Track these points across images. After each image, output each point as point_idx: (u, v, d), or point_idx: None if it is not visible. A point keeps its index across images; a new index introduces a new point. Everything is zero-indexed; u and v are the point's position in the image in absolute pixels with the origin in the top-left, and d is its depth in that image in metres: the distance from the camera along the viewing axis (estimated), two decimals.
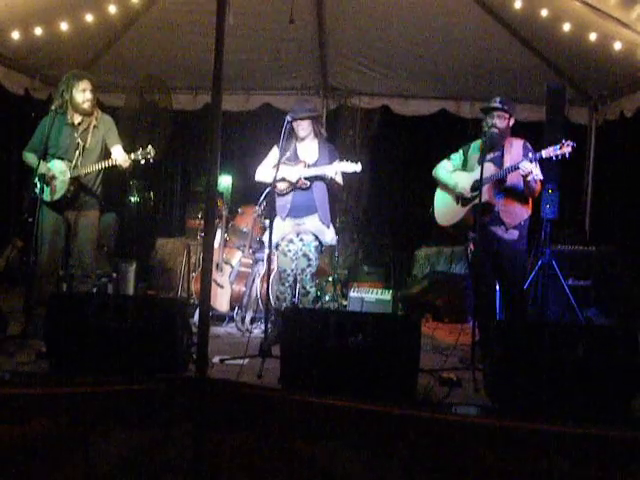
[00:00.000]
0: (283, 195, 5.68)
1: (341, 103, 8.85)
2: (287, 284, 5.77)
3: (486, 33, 6.90)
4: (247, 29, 6.95)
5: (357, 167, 5.46)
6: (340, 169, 5.49)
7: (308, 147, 5.74)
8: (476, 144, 5.48)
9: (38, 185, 5.34)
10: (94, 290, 5.81)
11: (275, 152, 5.71)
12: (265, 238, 6.15)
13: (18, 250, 7.95)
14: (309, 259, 5.65)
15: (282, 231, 5.67)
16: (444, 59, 7.56)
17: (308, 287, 5.71)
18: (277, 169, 5.34)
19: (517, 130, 5.39)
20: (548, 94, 6.99)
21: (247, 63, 7.81)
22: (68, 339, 4.24)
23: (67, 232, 5.60)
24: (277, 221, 5.75)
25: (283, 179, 5.61)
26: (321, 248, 5.80)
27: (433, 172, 5.67)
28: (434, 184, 5.70)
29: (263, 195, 6.12)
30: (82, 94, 5.47)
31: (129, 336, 4.16)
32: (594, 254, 6.93)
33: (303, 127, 5.64)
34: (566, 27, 6.05)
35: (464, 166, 5.51)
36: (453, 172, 5.52)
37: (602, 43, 6.06)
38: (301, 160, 5.64)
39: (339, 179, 5.63)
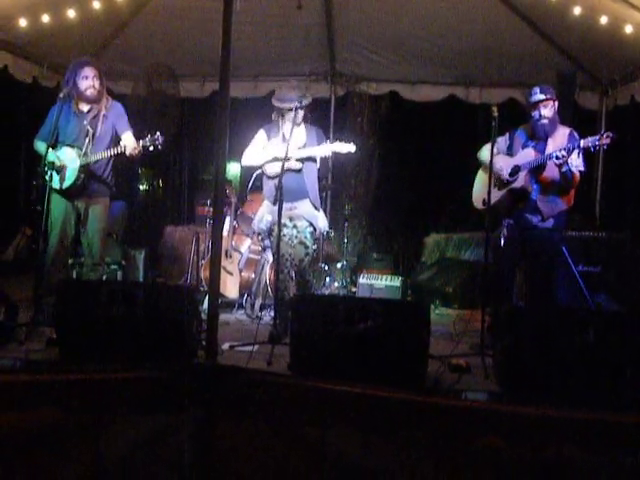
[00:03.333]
0: (273, 178, 5.45)
1: (349, 89, 8.83)
2: (286, 270, 5.51)
3: (495, 18, 6.85)
4: (254, 15, 6.93)
5: (351, 147, 5.36)
6: (334, 149, 5.38)
7: (296, 129, 5.54)
8: (523, 128, 5.43)
9: (48, 173, 5.35)
10: (104, 278, 5.82)
11: (262, 135, 5.63)
12: (255, 223, 5.85)
13: (27, 238, 7.98)
14: (306, 247, 5.51)
15: (272, 215, 5.46)
16: (453, 45, 7.51)
17: (307, 276, 5.60)
18: (287, 147, 5.22)
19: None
20: (559, 79, 6.93)
21: (255, 50, 7.79)
22: (78, 326, 4.26)
23: (77, 220, 5.60)
24: (266, 205, 5.65)
25: (275, 159, 5.42)
26: (315, 234, 5.68)
27: (478, 153, 5.62)
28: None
29: (252, 179, 6.01)
30: (85, 81, 5.46)
31: (139, 323, 4.17)
32: (604, 240, 6.88)
33: (298, 114, 5.49)
34: (576, 10, 5.99)
35: (509, 149, 5.44)
36: (497, 155, 5.43)
37: (613, 26, 6.01)
38: (290, 142, 5.41)
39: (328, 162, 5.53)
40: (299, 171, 5.48)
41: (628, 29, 5.93)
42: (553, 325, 3.92)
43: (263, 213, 5.69)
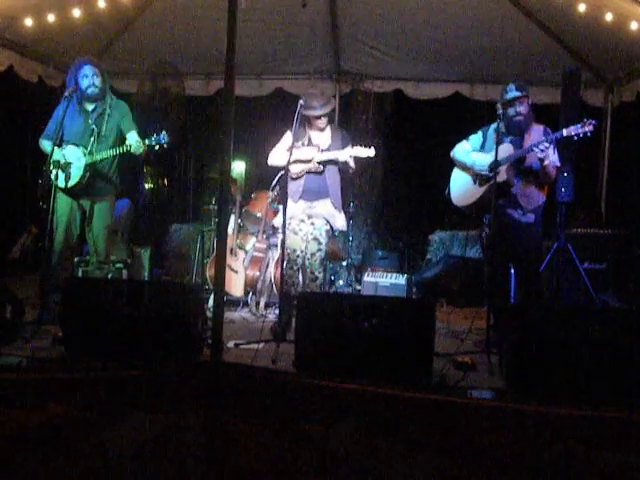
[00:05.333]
0: (295, 179, 5.66)
1: (354, 87, 8.81)
2: (295, 267, 5.67)
3: (500, 15, 6.82)
4: (259, 13, 6.92)
5: (371, 152, 5.49)
6: (354, 154, 5.52)
7: (321, 132, 5.76)
8: (495, 126, 5.45)
9: (53, 172, 5.36)
10: (109, 276, 5.84)
11: (289, 136, 5.72)
12: (276, 222, 6.14)
13: (34, 237, 8.00)
14: (319, 243, 5.63)
15: (293, 212, 5.61)
16: (457, 42, 7.49)
17: (317, 272, 5.66)
18: (291, 153, 5.32)
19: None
20: (564, 76, 6.92)
21: (259, 48, 7.79)
22: (84, 324, 4.28)
23: (82, 219, 5.62)
24: (290, 204, 5.71)
25: (297, 162, 5.60)
26: (332, 233, 5.82)
27: (451, 153, 5.66)
28: (451, 165, 5.69)
29: (276, 179, 6.11)
30: (85, 80, 5.49)
31: (144, 321, 4.19)
32: (610, 237, 6.88)
33: (322, 120, 5.67)
34: (581, 8, 5.97)
35: (482, 148, 5.50)
36: (472, 153, 5.50)
37: (618, 23, 5.98)
38: (315, 145, 5.65)
39: (352, 163, 5.63)
40: (321, 173, 5.64)
41: (633, 26, 5.90)
42: (558, 322, 3.92)
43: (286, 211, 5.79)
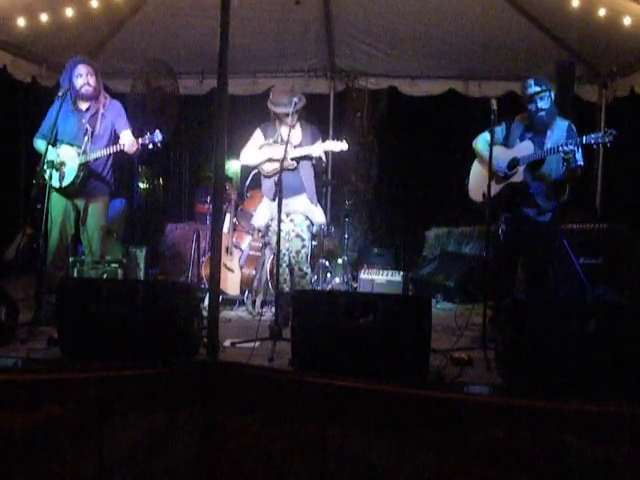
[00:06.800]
0: (270, 177, 5.67)
1: (348, 85, 8.81)
2: (284, 264, 5.73)
3: (493, 11, 6.84)
4: (252, 11, 6.92)
5: (343, 145, 5.52)
6: (327, 148, 5.58)
7: (292, 129, 5.69)
8: (520, 119, 5.36)
9: (47, 172, 5.34)
10: (104, 276, 5.82)
11: (258, 134, 5.79)
12: (254, 222, 6.09)
13: (29, 238, 7.97)
14: (302, 239, 5.68)
15: (271, 212, 5.61)
16: (451, 38, 7.50)
17: (305, 269, 5.72)
18: (286, 150, 5.30)
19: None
20: (558, 71, 6.91)
21: (253, 46, 7.78)
22: (79, 325, 4.26)
23: (76, 218, 5.61)
24: (265, 202, 5.81)
25: (270, 160, 5.63)
26: (312, 228, 5.86)
27: (473, 143, 5.53)
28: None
29: (248, 179, 6.13)
30: (79, 79, 5.47)
31: (140, 321, 4.17)
32: (605, 231, 6.88)
33: (293, 117, 5.62)
34: (575, 3, 5.98)
35: (506, 140, 5.37)
36: (493, 146, 5.39)
37: (611, 18, 6.00)
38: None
39: (324, 158, 5.73)
40: (295, 169, 5.63)
41: (626, 21, 5.91)
42: (554, 317, 3.92)
43: (262, 210, 5.84)
